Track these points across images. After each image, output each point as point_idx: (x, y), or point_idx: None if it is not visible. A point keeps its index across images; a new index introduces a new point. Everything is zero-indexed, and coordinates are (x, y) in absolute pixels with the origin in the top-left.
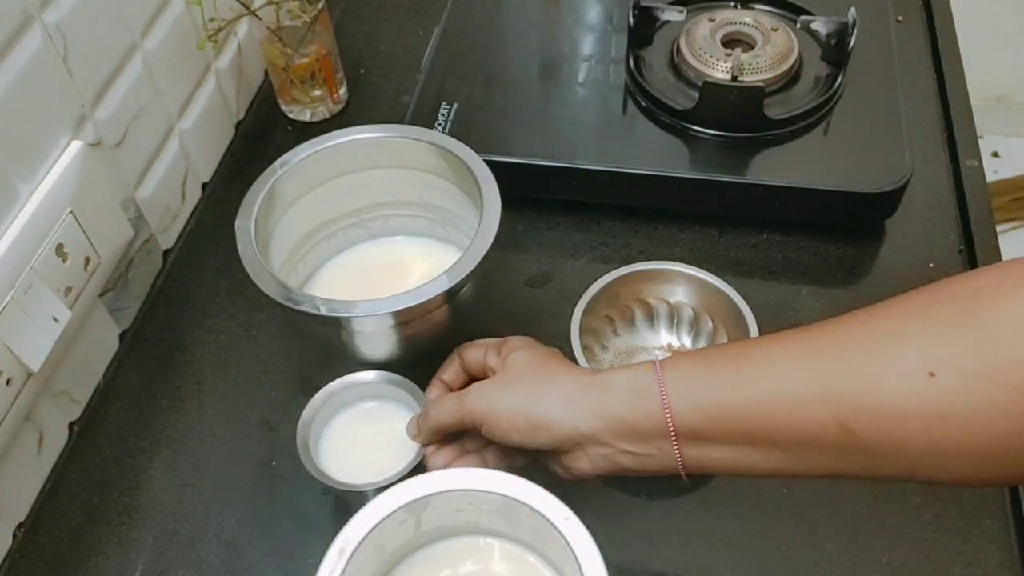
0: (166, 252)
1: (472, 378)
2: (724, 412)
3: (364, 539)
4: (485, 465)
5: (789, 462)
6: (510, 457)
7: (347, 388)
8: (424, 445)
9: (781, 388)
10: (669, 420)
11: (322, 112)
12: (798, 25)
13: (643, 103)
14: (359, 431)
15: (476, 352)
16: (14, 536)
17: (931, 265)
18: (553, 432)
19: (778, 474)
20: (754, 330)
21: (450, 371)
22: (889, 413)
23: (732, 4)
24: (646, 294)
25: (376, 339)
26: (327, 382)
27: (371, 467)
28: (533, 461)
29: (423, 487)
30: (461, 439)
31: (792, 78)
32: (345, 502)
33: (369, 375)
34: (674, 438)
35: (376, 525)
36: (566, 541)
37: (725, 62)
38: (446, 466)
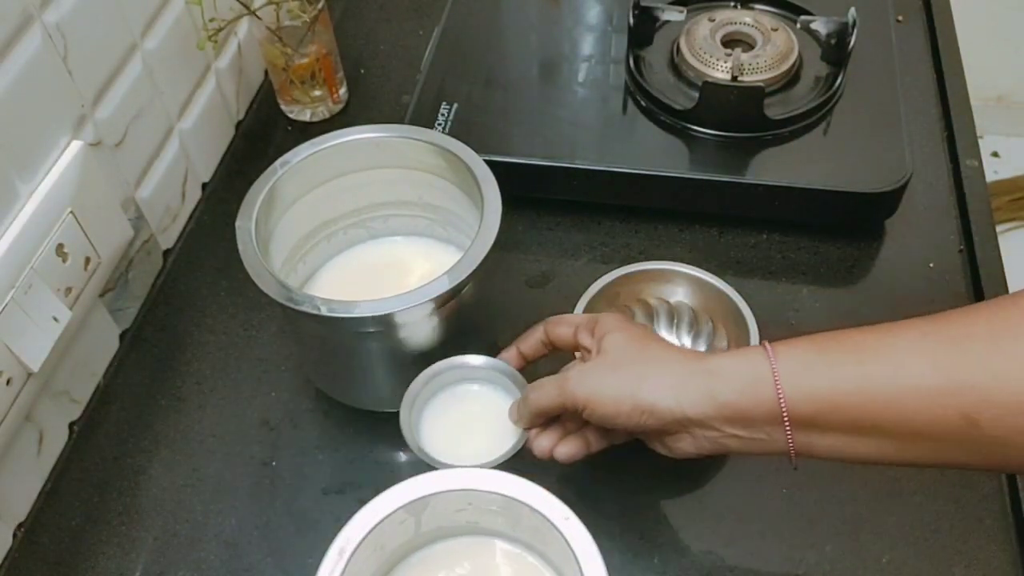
0: (166, 252)
1: (554, 351)
2: (840, 402)
3: (364, 539)
4: (588, 446)
5: (902, 451)
6: (611, 436)
7: (451, 369)
8: (526, 429)
9: (903, 381)
10: (784, 408)
11: (322, 112)
12: (798, 25)
13: (643, 103)
14: (462, 413)
15: (565, 329)
16: (14, 536)
17: (931, 265)
18: (660, 417)
19: (885, 462)
20: (754, 330)
21: (530, 342)
22: (1017, 407)
23: (732, 4)
24: (646, 294)
25: (376, 339)
26: (327, 382)
27: (472, 450)
28: (633, 439)
29: (423, 487)
30: (562, 419)
31: (792, 78)
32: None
33: (475, 359)
34: (788, 426)
35: (376, 525)
36: (566, 541)
37: (725, 62)
38: (550, 449)
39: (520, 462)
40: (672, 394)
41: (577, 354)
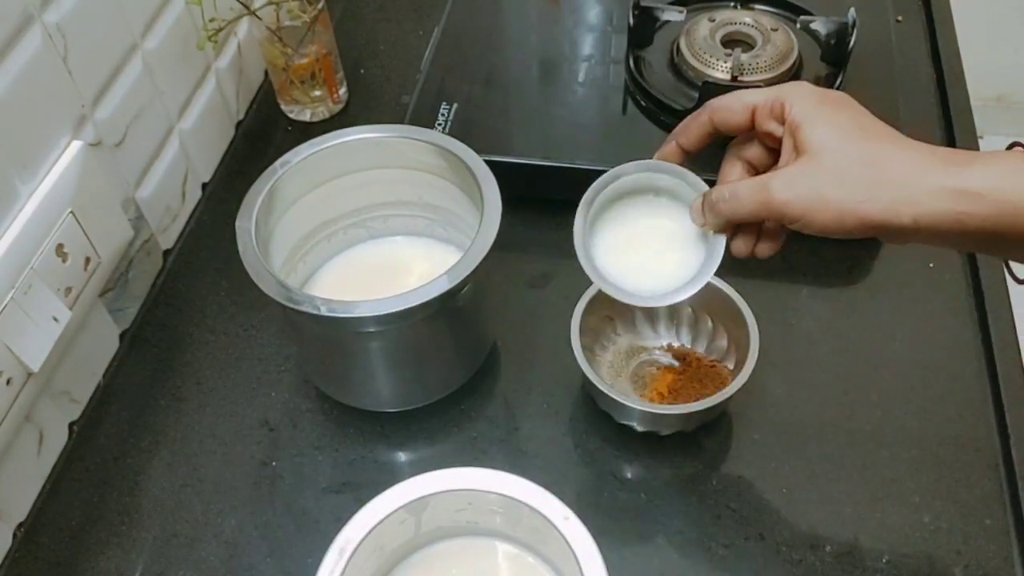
0: (166, 252)
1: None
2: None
3: (364, 539)
4: (780, 239)
5: None
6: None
7: (609, 184)
8: (714, 232)
9: None
10: None
11: (322, 112)
12: (798, 25)
13: (643, 103)
14: (633, 233)
15: (737, 112)
16: (14, 536)
17: (931, 265)
18: (891, 236)
19: None
20: (754, 330)
21: (693, 134)
22: None
23: (732, 4)
24: None
25: (376, 339)
26: (327, 382)
27: (655, 271)
28: None
29: (423, 487)
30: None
31: (792, 78)
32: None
33: (629, 167)
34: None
35: (376, 525)
36: (566, 541)
37: (725, 62)
38: (749, 251)
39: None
40: (910, 212)
41: (747, 152)
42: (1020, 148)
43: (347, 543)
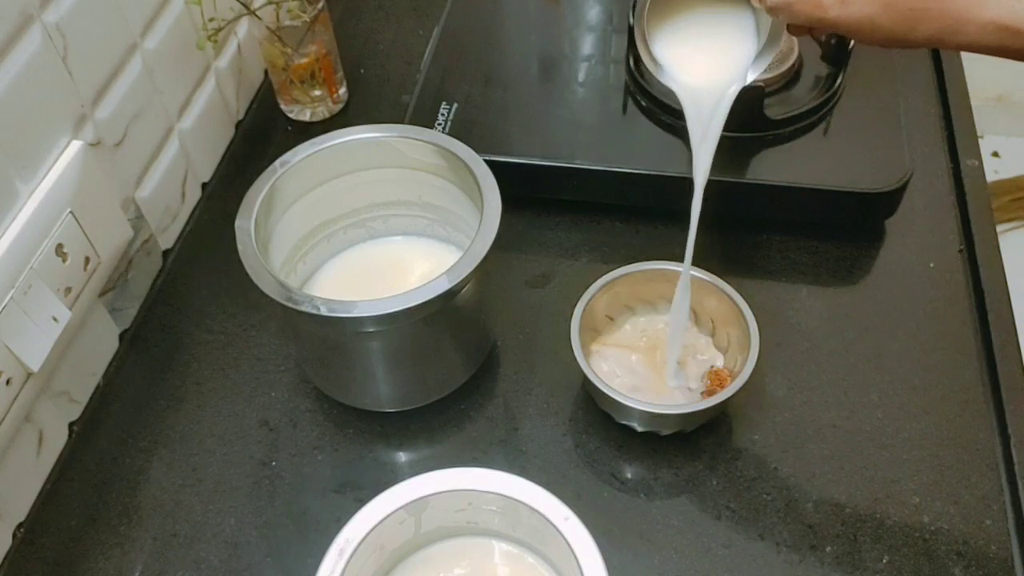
0: (166, 252)
1: None
2: None
3: (364, 539)
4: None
5: None
6: None
7: None
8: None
9: None
10: None
11: (322, 112)
12: None
13: (643, 103)
14: (691, 27)
15: None
16: (14, 536)
17: (931, 265)
18: (928, 46)
19: None
20: (754, 330)
21: None
22: None
23: None
24: (646, 294)
25: (376, 339)
26: (327, 382)
27: (714, 61)
28: None
29: (423, 487)
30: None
31: (792, 78)
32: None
33: None
34: None
35: (376, 525)
36: (566, 541)
37: None
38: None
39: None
40: (955, 42)
41: None
42: None
43: (347, 543)
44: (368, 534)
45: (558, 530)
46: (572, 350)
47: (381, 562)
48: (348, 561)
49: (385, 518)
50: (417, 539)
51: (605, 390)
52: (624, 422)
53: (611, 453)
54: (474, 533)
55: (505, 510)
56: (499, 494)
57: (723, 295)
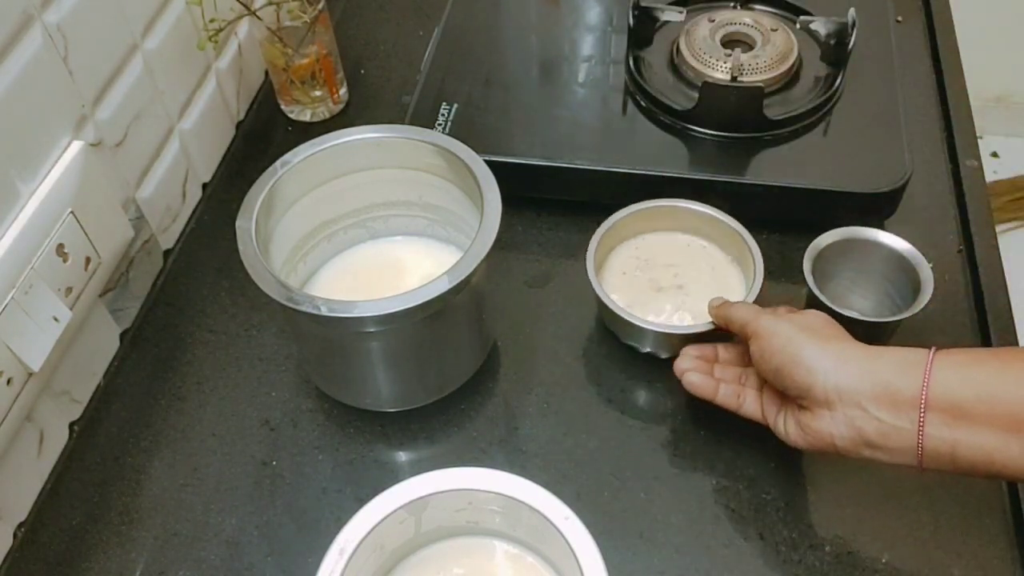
0: (166, 252)
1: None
2: (1003, 394)
3: (364, 539)
4: (740, 398)
5: None
6: (766, 406)
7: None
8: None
9: None
10: (925, 386)
11: (322, 112)
12: (798, 25)
13: (643, 103)
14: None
15: (746, 312)
16: (14, 536)
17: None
18: (813, 379)
19: None
20: (757, 255)
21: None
22: None
23: (732, 4)
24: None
25: (376, 339)
26: (327, 382)
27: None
28: (773, 424)
29: (423, 487)
30: (721, 362)
31: (792, 78)
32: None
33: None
34: (922, 408)
35: (376, 525)
36: (566, 541)
37: (725, 62)
38: (685, 370)
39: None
40: (833, 363)
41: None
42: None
43: (347, 543)
44: (368, 534)
45: (558, 530)
46: (572, 346)
47: (381, 562)
48: (348, 561)
49: (385, 518)
50: (417, 539)
51: (619, 312)
52: (630, 343)
53: (611, 453)
54: (474, 533)
55: (505, 510)
56: (499, 494)
57: (728, 228)
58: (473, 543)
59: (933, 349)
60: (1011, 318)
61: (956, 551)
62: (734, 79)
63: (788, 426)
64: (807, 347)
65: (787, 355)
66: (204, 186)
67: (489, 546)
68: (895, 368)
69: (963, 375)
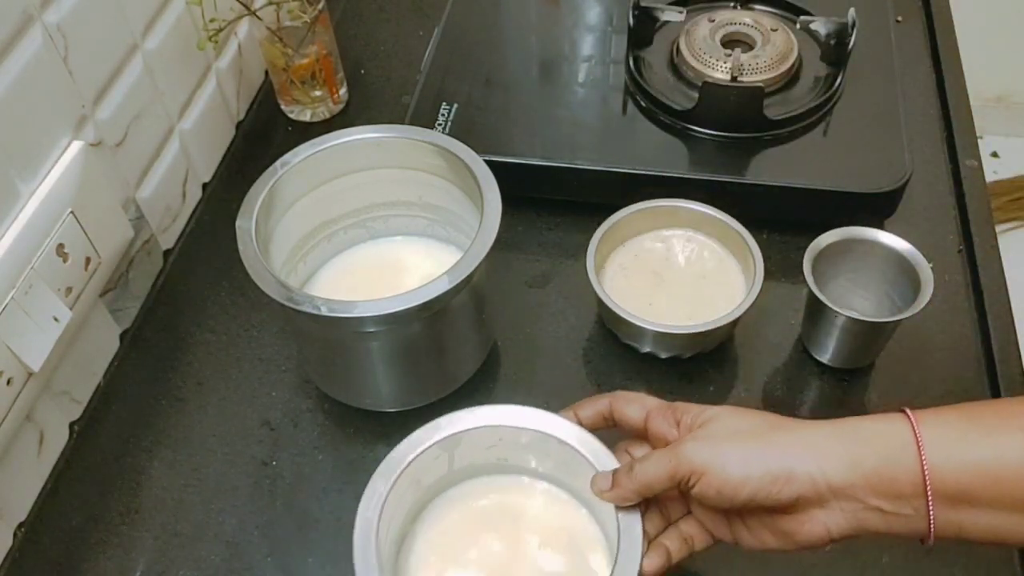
0: (166, 252)
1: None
2: (1003, 474)
3: (403, 471)
4: (689, 542)
5: None
6: (713, 528)
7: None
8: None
9: None
10: (927, 478)
11: (322, 112)
12: (798, 25)
13: (643, 103)
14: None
15: (635, 410)
16: (14, 536)
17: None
18: (799, 485)
19: None
20: (758, 255)
21: (591, 412)
22: None
23: (732, 4)
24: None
25: (376, 339)
26: (327, 382)
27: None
28: (736, 538)
29: (455, 424)
30: (660, 505)
31: (792, 78)
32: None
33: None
34: (931, 500)
35: (414, 459)
36: (596, 470)
37: (725, 62)
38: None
39: None
40: (811, 457)
41: (636, 451)
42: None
43: (389, 472)
44: (407, 467)
45: (589, 462)
46: (573, 345)
47: (418, 496)
48: (390, 489)
49: (421, 452)
50: (451, 475)
51: (618, 311)
52: (631, 342)
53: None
54: (505, 471)
55: (535, 444)
56: (529, 429)
57: (728, 228)
58: (504, 480)
59: (914, 423)
60: (1011, 318)
61: (956, 552)
62: (734, 79)
63: (757, 535)
64: (770, 453)
65: (755, 478)
66: (204, 186)
67: (520, 482)
68: (882, 455)
69: (958, 458)
